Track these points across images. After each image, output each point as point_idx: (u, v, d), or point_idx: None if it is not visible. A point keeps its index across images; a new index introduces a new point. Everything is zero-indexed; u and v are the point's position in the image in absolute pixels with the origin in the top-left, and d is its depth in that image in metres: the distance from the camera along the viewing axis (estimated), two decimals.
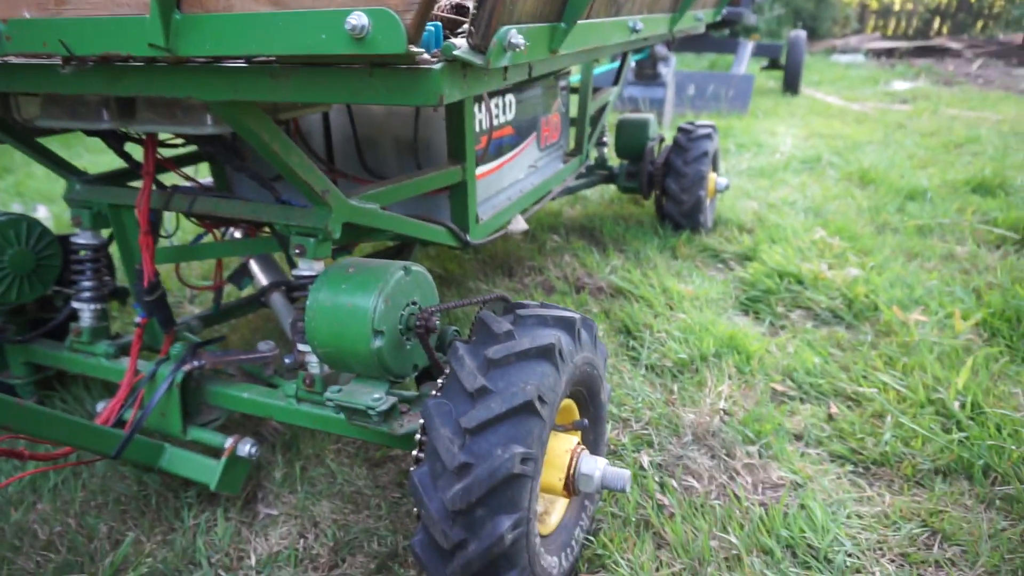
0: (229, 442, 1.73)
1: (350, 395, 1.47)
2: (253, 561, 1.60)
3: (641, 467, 1.83)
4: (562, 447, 1.45)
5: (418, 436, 1.35)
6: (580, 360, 1.46)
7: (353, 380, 1.54)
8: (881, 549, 1.57)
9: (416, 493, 1.27)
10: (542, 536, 1.48)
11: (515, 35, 1.15)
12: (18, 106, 1.81)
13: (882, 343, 2.41)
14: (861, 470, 1.84)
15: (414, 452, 1.35)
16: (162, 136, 1.82)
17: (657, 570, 1.53)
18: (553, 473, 1.43)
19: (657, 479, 1.79)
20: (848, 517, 1.65)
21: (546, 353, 1.33)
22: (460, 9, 1.28)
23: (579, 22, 1.44)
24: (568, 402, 1.57)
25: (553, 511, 1.55)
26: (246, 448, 1.72)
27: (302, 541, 1.66)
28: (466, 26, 1.21)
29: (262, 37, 1.07)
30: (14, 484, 1.82)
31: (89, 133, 1.82)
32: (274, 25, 1.06)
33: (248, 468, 1.78)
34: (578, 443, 1.49)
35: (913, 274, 2.93)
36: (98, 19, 1.19)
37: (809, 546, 1.56)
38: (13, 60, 1.42)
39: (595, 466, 1.44)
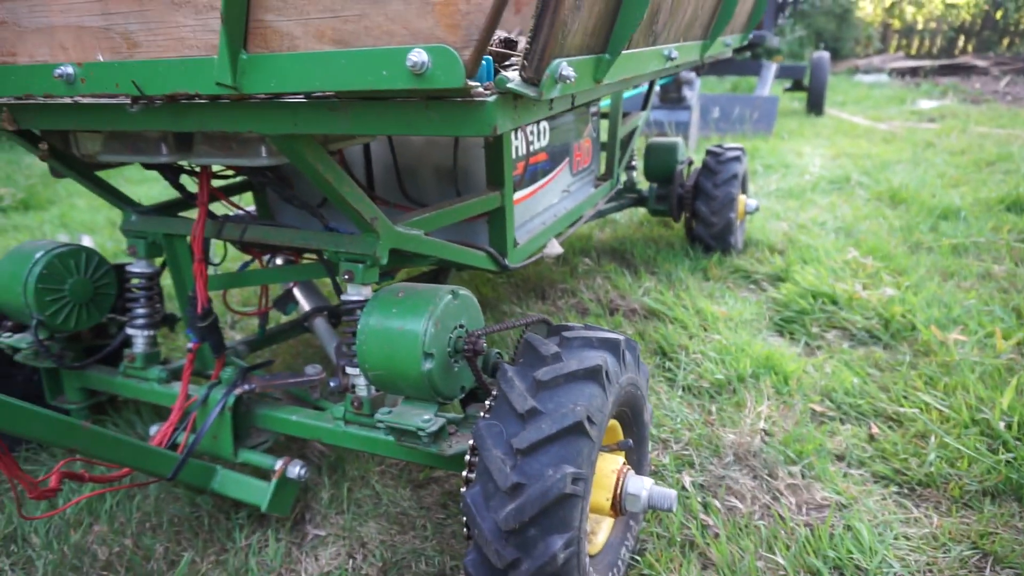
0: (279, 464, 1.77)
1: (400, 416, 1.50)
2: None
3: (683, 488, 1.85)
4: (608, 467, 1.47)
5: (468, 457, 1.38)
6: (625, 381, 1.49)
7: (401, 402, 1.58)
8: (931, 571, 1.57)
9: (468, 513, 1.29)
10: (590, 556, 1.50)
11: (566, 67, 1.20)
12: (78, 143, 1.90)
13: (921, 363, 2.41)
14: (906, 491, 1.83)
15: (464, 473, 1.38)
16: (213, 168, 1.89)
17: None
18: (600, 493, 1.44)
19: (700, 499, 1.80)
20: (896, 538, 1.65)
21: (593, 374, 1.36)
22: (508, 43, 1.33)
23: (622, 53, 1.49)
24: (613, 423, 1.59)
25: (599, 531, 1.57)
26: (295, 470, 1.76)
27: (351, 561, 1.69)
28: (515, 59, 1.26)
29: (325, 74, 1.13)
30: (72, 507, 1.88)
31: (147, 166, 1.90)
32: (337, 63, 1.12)
33: (297, 490, 1.81)
34: (624, 463, 1.50)
35: (950, 293, 2.92)
36: (168, 61, 1.26)
37: (857, 567, 1.56)
38: (82, 100, 1.51)
39: (642, 486, 1.46)
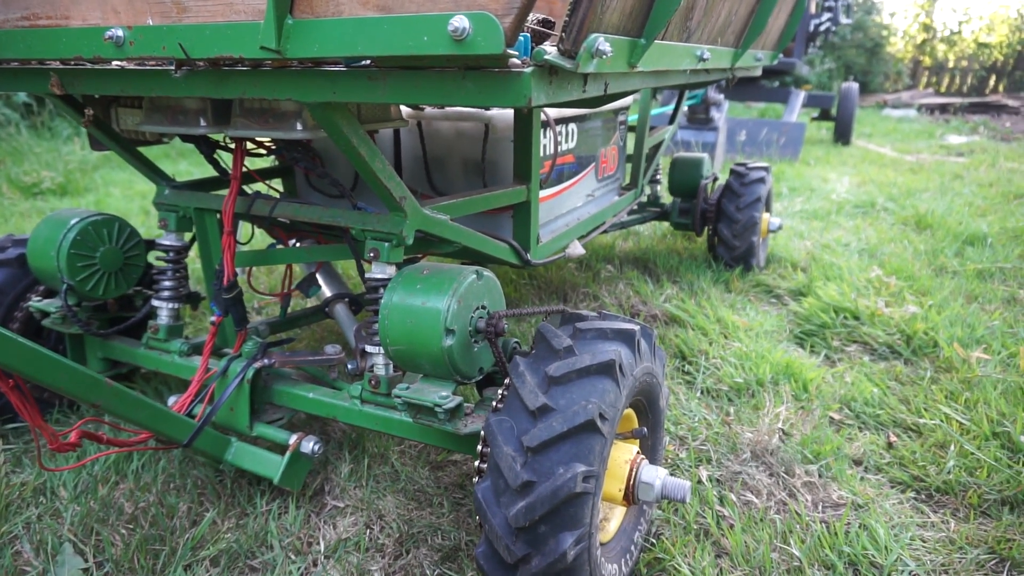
0: (293, 439, 1.77)
1: (418, 392, 1.51)
2: (322, 547, 1.65)
3: (699, 481, 1.84)
4: (622, 457, 1.45)
5: (480, 447, 1.37)
6: (640, 372, 1.47)
7: (420, 380, 1.59)
8: (947, 572, 1.55)
9: (479, 508, 1.29)
10: (602, 544, 1.49)
11: (603, 42, 1.22)
12: (117, 117, 1.95)
13: (943, 378, 2.39)
14: (924, 497, 1.81)
15: (476, 463, 1.37)
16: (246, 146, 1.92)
17: (719, 574, 1.53)
18: (613, 484, 1.43)
19: (716, 493, 1.80)
20: (912, 540, 1.63)
21: (607, 370, 1.33)
22: (546, 23, 1.36)
23: (656, 42, 1.51)
24: (628, 411, 1.58)
25: (612, 517, 1.56)
26: (309, 445, 1.76)
27: (368, 531, 1.71)
28: (555, 34, 1.29)
29: (367, 39, 1.16)
30: (100, 463, 1.92)
31: (185, 139, 1.94)
32: (379, 28, 1.14)
33: (310, 465, 1.82)
34: (637, 452, 1.49)
35: (974, 314, 2.89)
36: (215, 25, 1.29)
37: (872, 564, 1.55)
38: (128, 66, 1.55)
39: (655, 475, 1.44)
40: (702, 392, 2.33)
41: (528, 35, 1.25)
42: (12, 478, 1.86)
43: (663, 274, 3.47)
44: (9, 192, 5.15)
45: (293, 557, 1.62)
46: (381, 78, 1.28)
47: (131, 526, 1.71)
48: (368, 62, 1.29)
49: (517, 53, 1.16)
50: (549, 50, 1.19)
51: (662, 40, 1.64)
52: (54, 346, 2.20)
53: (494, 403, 1.41)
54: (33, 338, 2.14)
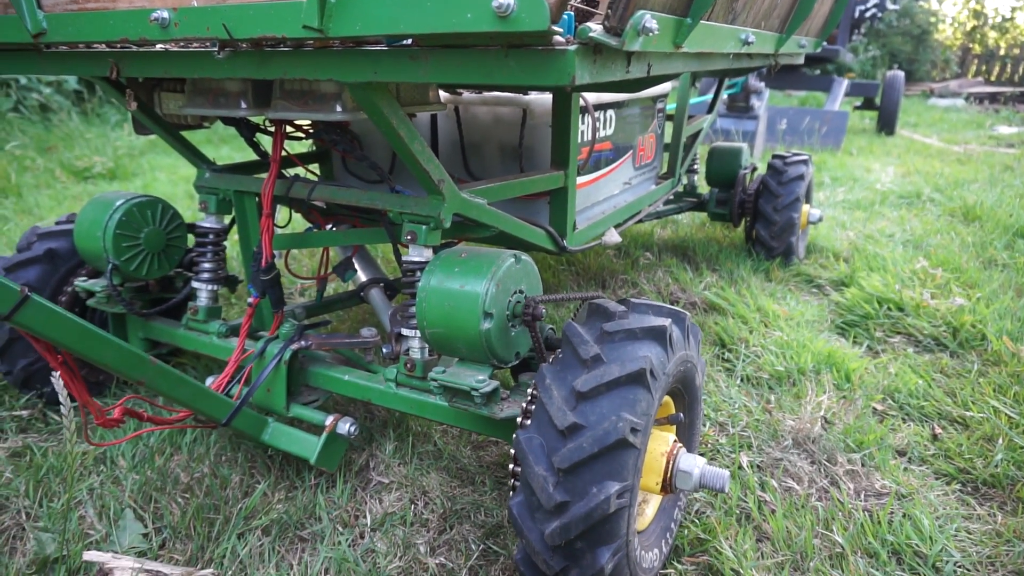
0: (329, 420, 1.77)
1: (454, 376, 1.50)
2: (368, 520, 1.69)
3: (740, 467, 1.83)
4: (659, 449, 1.41)
5: (512, 451, 1.35)
6: (673, 367, 1.41)
7: (455, 364, 1.58)
8: (993, 565, 1.51)
9: (515, 523, 1.28)
10: (639, 532, 1.47)
11: (649, 19, 1.20)
12: (160, 102, 1.98)
13: (991, 371, 2.32)
14: (970, 489, 1.78)
15: (511, 466, 1.35)
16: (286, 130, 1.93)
17: (760, 558, 1.52)
18: (651, 477, 1.40)
19: (757, 479, 1.78)
20: (957, 531, 1.61)
21: (637, 379, 1.27)
22: (590, 2, 1.34)
23: (701, 22, 1.48)
24: (664, 399, 1.55)
25: (650, 500, 1.54)
26: (345, 427, 1.76)
27: (413, 507, 1.74)
28: (599, 12, 1.27)
29: (410, 17, 1.15)
30: (156, 436, 1.99)
31: (226, 122, 1.96)
32: (422, 6, 1.13)
33: (346, 446, 1.83)
34: (675, 440, 1.45)
35: None
36: (258, 4, 1.29)
37: (916, 553, 1.52)
38: (172, 48, 1.57)
39: (693, 464, 1.41)
40: (742, 380, 2.30)
41: (572, 13, 1.23)
42: (75, 448, 1.92)
43: (702, 262, 3.43)
44: (63, 176, 5.31)
45: (341, 529, 1.67)
46: (423, 57, 1.27)
47: (187, 495, 1.77)
48: (410, 41, 1.28)
49: (561, 30, 1.15)
50: (594, 28, 1.17)
51: (708, 21, 1.61)
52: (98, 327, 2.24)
53: (523, 404, 1.38)
54: (78, 316, 2.18)
